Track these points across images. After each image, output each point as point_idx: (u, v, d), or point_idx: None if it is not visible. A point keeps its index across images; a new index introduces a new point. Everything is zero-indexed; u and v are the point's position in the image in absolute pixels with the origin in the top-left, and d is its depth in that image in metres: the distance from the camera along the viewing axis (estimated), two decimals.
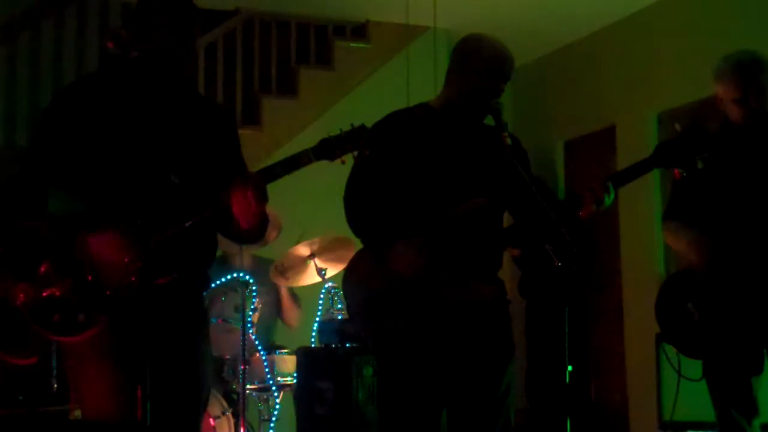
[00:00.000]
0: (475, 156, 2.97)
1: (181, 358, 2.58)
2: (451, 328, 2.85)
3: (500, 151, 2.84)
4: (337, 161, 2.58)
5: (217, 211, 2.49)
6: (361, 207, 2.94)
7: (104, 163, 2.53)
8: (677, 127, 3.02)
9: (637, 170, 3.01)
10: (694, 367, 3.50)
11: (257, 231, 2.66)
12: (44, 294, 2.39)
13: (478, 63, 2.93)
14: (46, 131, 2.59)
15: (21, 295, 2.40)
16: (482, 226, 2.90)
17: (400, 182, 2.93)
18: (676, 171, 2.97)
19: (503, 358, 2.97)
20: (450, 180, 2.93)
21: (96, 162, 2.53)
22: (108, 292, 2.39)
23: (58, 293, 2.39)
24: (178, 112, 2.61)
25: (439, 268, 2.83)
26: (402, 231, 2.86)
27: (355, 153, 2.57)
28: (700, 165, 2.93)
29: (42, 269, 2.39)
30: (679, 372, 3.54)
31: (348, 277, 2.98)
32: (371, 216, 2.93)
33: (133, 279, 2.38)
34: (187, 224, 2.46)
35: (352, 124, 2.56)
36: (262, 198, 2.47)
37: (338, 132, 2.55)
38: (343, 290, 2.98)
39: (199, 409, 2.71)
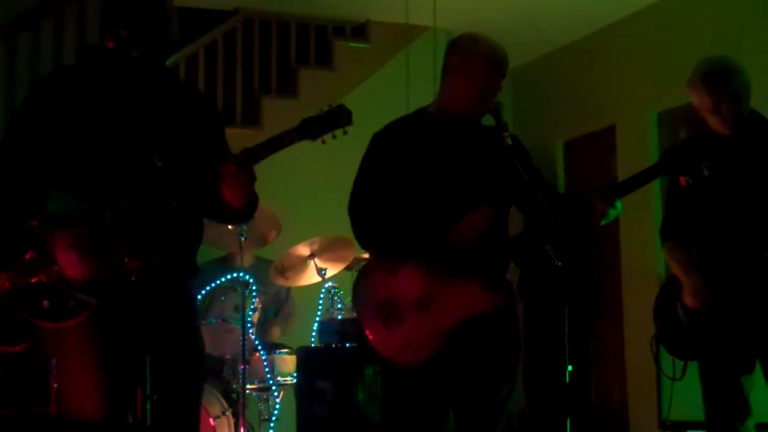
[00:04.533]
0: (476, 158, 2.96)
1: (171, 345, 2.55)
2: (459, 333, 2.84)
3: (501, 152, 2.83)
4: (318, 141, 2.58)
5: (205, 191, 2.49)
6: (367, 220, 2.94)
7: (86, 149, 2.52)
8: (682, 133, 2.99)
9: (643, 178, 2.98)
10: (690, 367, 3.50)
11: (248, 210, 2.66)
12: (32, 281, 2.40)
13: (475, 64, 2.90)
14: (24, 122, 2.57)
15: (6, 284, 2.40)
16: (490, 234, 2.89)
17: (404, 192, 2.92)
18: (682, 178, 2.95)
19: (510, 361, 2.98)
20: (454, 185, 2.92)
21: (78, 149, 2.52)
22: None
23: (45, 279, 2.40)
24: (158, 97, 2.58)
25: (450, 278, 2.83)
26: (410, 241, 2.86)
27: (335, 134, 2.58)
28: (706, 173, 2.90)
29: (27, 257, 2.40)
30: (672, 376, 3.54)
31: (358, 285, 2.99)
32: (378, 229, 2.93)
33: (120, 263, 2.36)
34: (174, 205, 2.46)
35: (330, 105, 2.58)
36: (250, 176, 2.48)
37: (318, 112, 2.57)
38: (353, 299, 3.00)
39: (198, 397, 2.72)
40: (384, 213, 2.92)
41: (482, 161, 2.95)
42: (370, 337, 2.89)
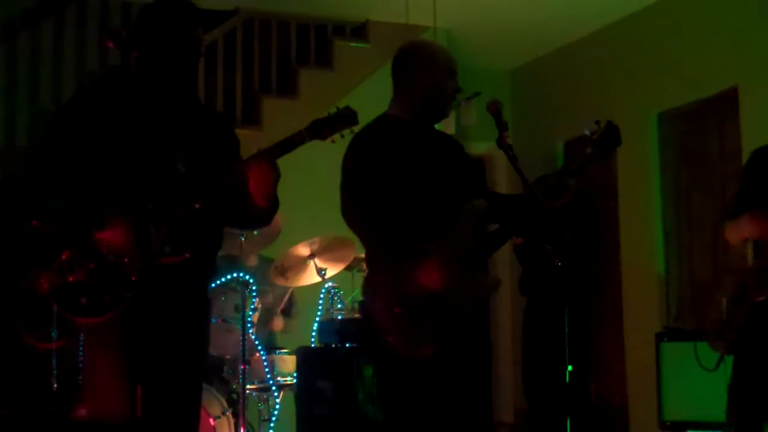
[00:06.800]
0: (451, 157, 3.11)
1: (184, 340, 2.71)
2: (468, 321, 2.91)
3: (461, 152, 3.13)
4: (328, 140, 2.77)
5: (223, 191, 2.64)
6: (388, 223, 2.95)
7: (115, 158, 2.66)
8: (600, 124, 3.13)
9: (585, 163, 3.12)
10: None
11: (270, 210, 2.83)
12: (69, 279, 2.51)
13: (436, 67, 3.06)
14: (58, 133, 2.72)
15: (45, 284, 2.52)
16: (482, 225, 2.99)
17: (404, 192, 2.97)
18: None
19: (478, 351, 3.08)
20: (442, 182, 3.02)
21: (107, 158, 2.66)
22: (132, 277, 2.52)
23: (82, 278, 2.51)
24: (181, 112, 2.76)
25: (459, 269, 2.89)
26: (419, 238, 2.91)
27: (344, 133, 2.78)
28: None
29: (63, 257, 2.51)
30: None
31: (372, 291, 2.97)
32: (390, 228, 2.95)
33: (147, 260, 2.52)
34: (197, 204, 2.62)
35: (337, 107, 2.75)
36: (276, 172, 2.67)
37: (327, 114, 2.74)
38: (367, 306, 2.98)
39: (199, 391, 2.86)
40: (396, 213, 2.96)
41: (454, 160, 3.12)
42: (392, 340, 2.85)
